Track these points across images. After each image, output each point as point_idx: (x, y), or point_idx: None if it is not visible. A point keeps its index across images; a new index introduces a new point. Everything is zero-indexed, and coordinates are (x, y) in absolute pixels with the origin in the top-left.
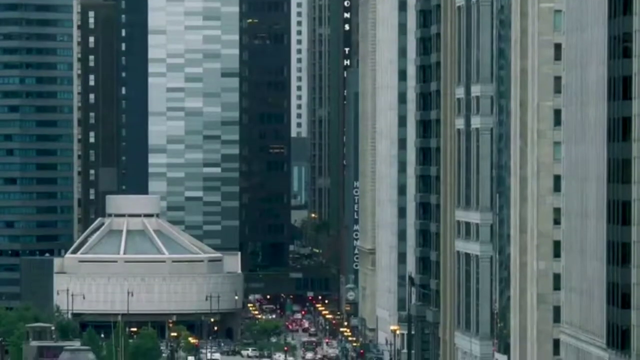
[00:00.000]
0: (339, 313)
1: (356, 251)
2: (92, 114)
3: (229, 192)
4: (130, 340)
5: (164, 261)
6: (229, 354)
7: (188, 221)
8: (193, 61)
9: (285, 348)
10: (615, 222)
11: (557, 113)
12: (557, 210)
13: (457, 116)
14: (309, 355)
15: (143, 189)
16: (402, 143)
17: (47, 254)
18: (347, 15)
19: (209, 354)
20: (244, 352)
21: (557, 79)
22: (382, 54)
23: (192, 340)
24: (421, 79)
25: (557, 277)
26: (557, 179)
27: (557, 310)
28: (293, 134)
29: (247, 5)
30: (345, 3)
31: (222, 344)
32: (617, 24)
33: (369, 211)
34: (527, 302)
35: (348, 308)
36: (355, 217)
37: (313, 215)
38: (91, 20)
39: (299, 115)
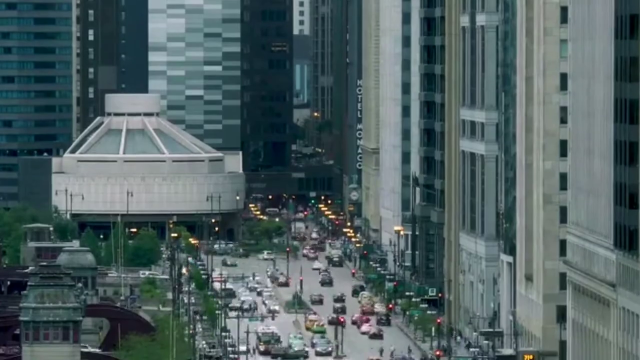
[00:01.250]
0: (342, 213)
1: (359, 151)
2: (91, 12)
3: (230, 90)
4: (130, 241)
5: (164, 161)
6: (230, 254)
7: (188, 120)
8: None
9: (288, 249)
10: (622, 121)
11: (564, 10)
12: (563, 109)
13: (462, 13)
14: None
15: (143, 88)
16: (406, 41)
17: (45, 154)
18: None
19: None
20: (260, 255)
21: None
22: None
23: (192, 241)
24: None
25: (563, 177)
26: (563, 77)
27: (563, 211)
28: (295, 31)
29: None
30: None
31: (225, 245)
32: None
33: (373, 110)
34: (533, 202)
35: (351, 208)
36: (359, 116)
37: (315, 114)
38: None
39: (301, 13)
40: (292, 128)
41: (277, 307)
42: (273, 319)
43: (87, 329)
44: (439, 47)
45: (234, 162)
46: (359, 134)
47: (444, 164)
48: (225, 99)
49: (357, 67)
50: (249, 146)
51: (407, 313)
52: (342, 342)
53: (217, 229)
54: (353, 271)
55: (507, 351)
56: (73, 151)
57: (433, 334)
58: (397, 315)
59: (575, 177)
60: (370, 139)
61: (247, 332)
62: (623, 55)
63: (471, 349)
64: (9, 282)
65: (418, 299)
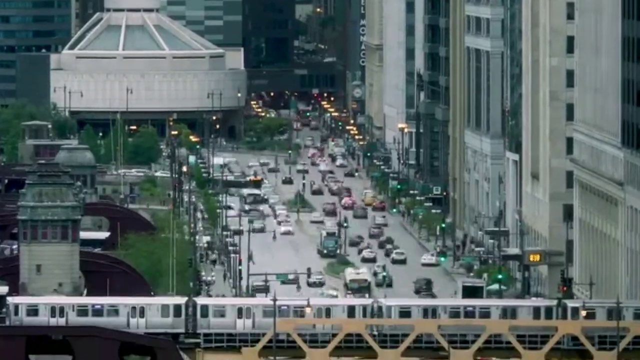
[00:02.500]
0: (345, 111)
1: (363, 47)
2: None
3: None
4: (130, 139)
5: (164, 57)
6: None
7: (189, 16)
8: None
9: (290, 147)
10: (630, 17)
11: None
12: (570, 5)
13: None
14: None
15: None
16: None
17: (43, 50)
18: None
19: (212, 158)
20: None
21: None
22: None
23: (193, 138)
24: None
25: (570, 74)
26: None
27: (570, 108)
28: None
29: None
30: None
31: (225, 143)
32: None
33: (376, 5)
34: (539, 99)
35: (354, 106)
36: (362, 11)
37: (318, 9)
38: None
39: None
40: (294, 24)
41: (281, 206)
42: (275, 217)
43: (86, 227)
44: None
45: (235, 58)
46: (362, 30)
47: (449, 60)
48: None
49: None
50: (251, 42)
51: (412, 212)
52: (346, 242)
53: (217, 126)
54: (357, 168)
55: (513, 250)
56: (72, 47)
57: (438, 233)
58: (400, 214)
59: (582, 74)
60: (374, 35)
61: (249, 231)
62: None
63: (476, 249)
64: (6, 180)
65: (422, 198)
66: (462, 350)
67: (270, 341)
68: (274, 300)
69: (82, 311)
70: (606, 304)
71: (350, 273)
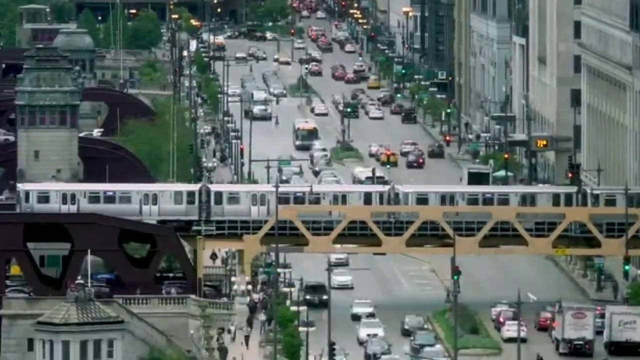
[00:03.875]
0: None
1: None
2: None
3: None
4: (129, 23)
5: None
6: (231, 37)
7: None
8: None
9: (292, 31)
10: None
11: None
12: None
13: None
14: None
15: None
16: None
17: None
18: None
19: (211, 38)
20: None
21: None
22: None
23: (193, 22)
24: None
25: None
26: None
27: None
28: None
29: None
30: None
31: (226, 27)
32: None
33: None
34: None
35: None
36: None
37: None
38: None
39: None
40: None
41: (282, 91)
42: (277, 103)
43: (84, 113)
44: None
45: None
46: None
47: None
48: None
49: None
50: None
51: (416, 97)
52: (349, 127)
53: (219, 10)
54: (360, 52)
55: (520, 136)
56: None
57: (443, 118)
58: (405, 100)
59: None
60: None
61: (252, 119)
62: None
63: (482, 134)
64: (4, 65)
65: (427, 83)
66: (467, 238)
67: (272, 228)
68: (276, 187)
69: (94, 198)
70: (615, 190)
71: (361, 172)
